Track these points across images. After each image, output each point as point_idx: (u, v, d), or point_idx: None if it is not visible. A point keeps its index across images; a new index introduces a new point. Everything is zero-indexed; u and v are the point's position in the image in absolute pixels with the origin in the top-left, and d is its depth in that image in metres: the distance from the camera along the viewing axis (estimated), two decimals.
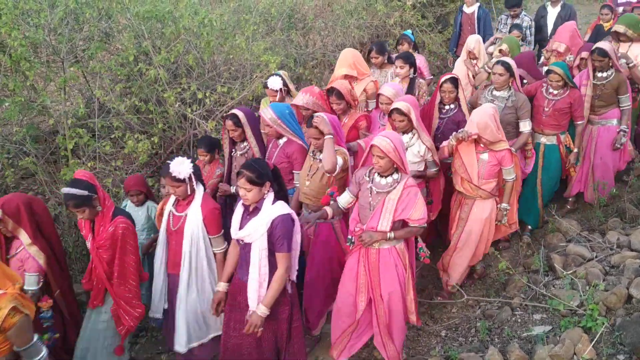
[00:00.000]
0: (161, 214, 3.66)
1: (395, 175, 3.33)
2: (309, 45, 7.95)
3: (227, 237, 3.38)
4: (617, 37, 5.41)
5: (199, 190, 3.46)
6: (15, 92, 4.56)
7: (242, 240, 3.11)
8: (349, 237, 3.56)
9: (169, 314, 3.59)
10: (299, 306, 3.43)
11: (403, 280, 3.41)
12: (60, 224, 4.76)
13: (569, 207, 5.38)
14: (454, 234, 4.27)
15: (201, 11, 5.64)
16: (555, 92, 4.69)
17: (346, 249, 3.67)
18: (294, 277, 3.26)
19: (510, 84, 4.64)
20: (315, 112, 3.97)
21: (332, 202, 3.62)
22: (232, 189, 4.07)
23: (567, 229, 4.80)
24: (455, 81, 4.42)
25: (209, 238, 3.46)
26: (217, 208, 3.48)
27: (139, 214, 4.08)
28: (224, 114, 4.58)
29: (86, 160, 4.74)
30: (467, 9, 7.45)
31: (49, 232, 3.41)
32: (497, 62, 4.63)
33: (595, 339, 3.24)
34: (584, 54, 5.12)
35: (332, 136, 3.57)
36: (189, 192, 3.40)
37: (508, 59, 4.70)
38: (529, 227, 5.07)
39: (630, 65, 5.12)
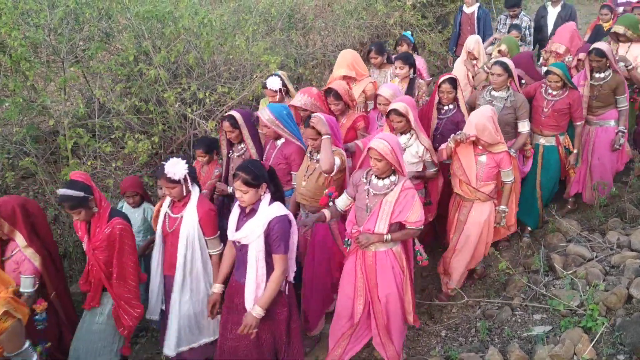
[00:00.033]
0: (158, 216, 3.65)
1: (393, 177, 3.32)
2: (309, 45, 7.95)
3: (225, 238, 3.37)
4: (617, 37, 5.41)
5: (195, 191, 3.44)
6: (15, 92, 4.56)
7: (239, 242, 3.09)
8: (346, 239, 3.54)
9: (166, 315, 3.57)
10: (297, 307, 3.43)
11: (400, 282, 3.40)
12: (60, 224, 4.77)
13: (569, 207, 5.37)
14: (453, 236, 4.27)
15: (201, 11, 5.64)
16: (555, 92, 4.68)
17: (343, 251, 3.66)
18: (291, 278, 3.25)
19: (508, 84, 4.63)
20: (313, 113, 3.97)
21: (330, 204, 3.61)
22: (229, 189, 4.07)
23: (567, 229, 4.79)
24: (453, 82, 4.42)
25: (205, 239, 3.44)
26: (212, 209, 3.46)
27: (135, 216, 4.07)
28: (223, 115, 4.57)
29: (86, 161, 4.74)
30: (467, 9, 7.45)
31: (45, 234, 3.41)
32: (495, 63, 4.63)
33: (596, 339, 3.24)
34: (581, 55, 5.12)
35: (329, 136, 3.56)
36: (184, 193, 3.38)
37: (506, 59, 4.69)
38: (529, 228, 5.07)
39: (629, 68, 5.13)
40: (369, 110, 5.03)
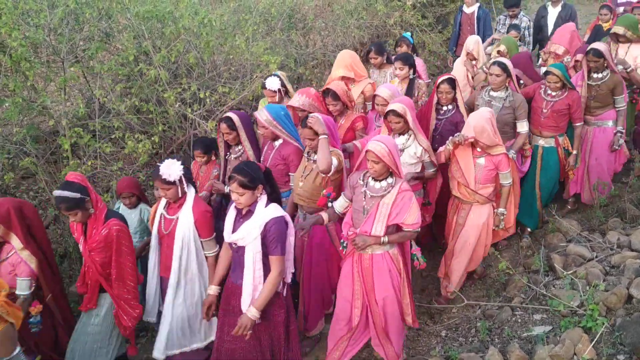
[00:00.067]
0: (155, 217, 3.63)
1: (390, 180, 3.31)
2: (309, 45, 7.95)
3: (223, 240, 3.34)
4: (617, 38, 5.41)
5: (190, 192, 3.42)
6: (15, 93, 4.56)
7: (235, 244, 3.07)
8: (342, 241, 3.53)
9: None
10: (294, 309, 3.41)
11: (397, 285, 3.39)
12: (60, 224, 4.77)
13: (569, 207, 5.37)
14: (451, 239, 4.26)
15: (201, 11, 5.64)
16: (554, 93, 4.68)
17: (340, 253, 3.65)
18: (289, 279, 3.24)
19: (507, 84, 4.63)
20: (311, 113, 3.96)
21: (329, 205, 3.60)
22: (226, 189, 4.07)
23: (567, 229, 4.79)
24: (452, 82, 4.41)
25: (201, 241, 3.42)
26: (208, 211, 3.44)
27: (132, 217, 4.04)
28: (220, 117, 4.57)
29: (87, 161, 4.74)
30: (467, 9, 7.45)
31: (40, 236, 3.39)
32: (494, 63, 4.63)
33: (596, 339, 3.24)
34: (579, 56, 5.11)
35: (326, 136, 3.54)
36: (179, 195, 3.36)
37: (505, 60, 4.69)
38: (528, 229, 5.07)
39: (629, 70, 5.13)
40: (367, 111, 5.02)
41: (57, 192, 3.13)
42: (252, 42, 5.97)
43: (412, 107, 4.04)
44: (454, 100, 4.48)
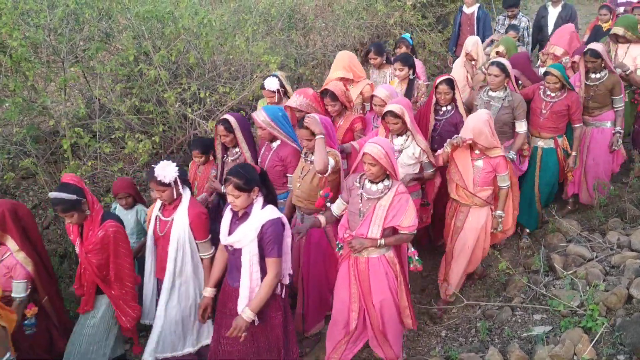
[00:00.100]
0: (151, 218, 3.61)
1: (387, 182, 3.29)
2: (309, 46, 7.95)
3: (219, 241, 3.31)
4: (616, 38, 5.40)
5: (186, 194, 3.39)
6: (15, 93, 4.56)
7: (232, 246, 3.05)
8: (337, 242, 3.52)
9: None
10: (291, 310, 3.39)
11: (394, 288, 3.37)
12: (60, 224, 4.77)
13: (569, 207, 5.37)
14: (450, 242, 4.25)
15: (201, 11, 5.64)
16: (553, 94, 4.67)
17: (336, 255, 3.63)
18: (287, 280, 3.22)
19: (505, 84, 4.62)
20: (309, 114, 3.95)
21: (328, 204, 3.59)
22: (223, 188, 4.06)
23: (567, 229, 4.80)
24: (451, 82, 4.39)
25: (196, 243, 3.39)
26: (203, 212, 3.41)
27: (128, 218, 4.03)
28: (222, 116, 4.56)
29: (87, 161, 4.74)
30: (466, 10, 7.45)
31: (35, 238, 3.37)
32: (492, 63, 4.61)
33: (596, 339, 3.24)
34: (576, 58, 5.11)
35: (323, 136, 3.53)
36: (174, 197, 3.34)
37: (503, 60, 4.68)
38: (527, 230, 5.07)
39: (628, 72, 5.14)
40: (366, 111, 5.02)
41: (53, 194, 3.11)
42: (252, 42, 5.97)
43: (410, 107, 4.03)
44: (452, 100, 4.47)
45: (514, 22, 7.11)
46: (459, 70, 5.93)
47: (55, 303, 3.48)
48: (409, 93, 4.96)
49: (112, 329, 3.42)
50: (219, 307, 3.25)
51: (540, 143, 4.83)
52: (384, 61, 5.56)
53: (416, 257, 3.49)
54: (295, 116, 4.27)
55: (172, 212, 3.38)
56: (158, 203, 3.49)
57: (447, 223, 4.31)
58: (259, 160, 4.10)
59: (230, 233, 3.05)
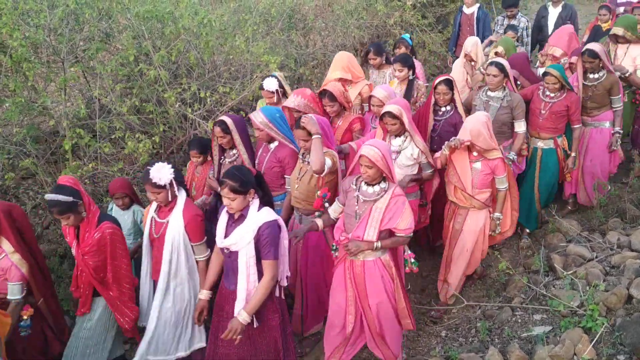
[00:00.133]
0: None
1: (383, 184, 3.28)
2: (309, 46, 7.95)
3: (215, 243, 3.27)
4: (616, 39, 5.40)
5: (181, 196, 3.36)
6: (15, 93, 4.56)
7: (228, 249, 3.02)
8: (333, 244, 3.50)
9: None
10: (288, 312, 3.37)
11: (391, 291, 3.36)
12: (60, 224, 4.76)
13: (569, 207, 5.37)
14: (449, 245, 4.24)
15: (201, 11, 5.64)
16: (552, 94, 4.67)
17: (333, 258, 3.59)
18: (285, 282, 3.21)
19: (504, 84, 4.62)
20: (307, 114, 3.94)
21: (326, 204, 3.58)
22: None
23: (567, 229, 4.80)
24: (449, 83, 4.39)
25: (191, 245, 3.36)
26: (199, 215, 3.38)
27: (125, 218, 4.01)
28: (219, 117, 4.55)
29: (87, 161, 4.74)
30: (466, 10, 7.46)
31: (30, 240, 3.35)
32: (491, 63, 4.61)
33: (595, 339, 3.24)
34: (573, 59, 5.11)
35: (319, 136, 3.51)
36: (170, 199, 3.31)
37: (501, 60, 4.68)
38: (527, 230, 5.07)
39: (627, 75, 5.14)
40: (365, 112, 5.01)
41: (49, 196, 3.08)
42: (252, 42, 5.97)
43: (408, 108, 4.01)
44: (451, 101, 4.47)
45: (513, 22, 7.11)
46: (458, 71, 5.93)
47: (51, 304, 3.45)
48: (408, 93, 4.96)
49: (109, 331, 3.40)
50: (215, 310, 3.23)
51: (540, 144, 4.82)
52: (384, 61, 5.55)
53: (412, 260, 3.48)
54: (293, 116, 4.26)
55: (168, 214, 3.35)
56: (154, 204, 3.46)
57: (446, 225, 4.30)
58: (256, 162, 4.08)
59: (226, 236, 3.03)
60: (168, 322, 3.38)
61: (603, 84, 4.81)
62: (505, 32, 6.67)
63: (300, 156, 3.82)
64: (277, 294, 3.14)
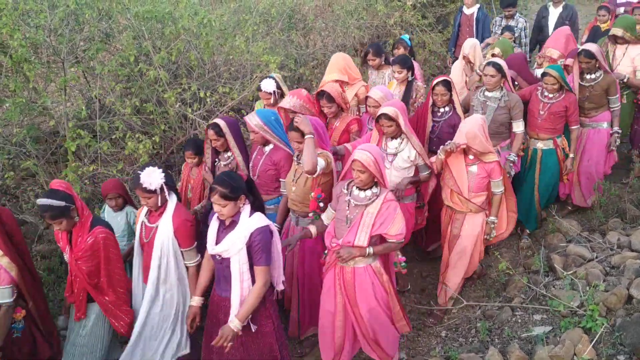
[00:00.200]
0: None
1: (375, 189, 3.25)
2: (309, 46, 7.95)
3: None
4: (615, 39, 5.40)
5: (172, 200, 3.28)
6: (16, 93, 4.56)
7: (220, 255, 2.98)
8: (325, 252, 3.48)
9: None
10: (280, 318, 3.33)
11: (381, 298, 3.33)
12: None
13: (569, 208, 5.37)
14: (447, 250, 4.23)
15: (201, 11, 5.65)
16: (551, 95, 4.66)
17: (322, 263, 3.58)
18: (281, 287, 3.19)
19: (502, 84, 4.62)
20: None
21: (321, 205, 3.56)
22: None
23: (567, 229, 4.80)
24: (447, 84, 4.38)
25: (181, 251, 3.29)
26: (188, 220, 3.29)
27: (118, 220, 3.98)
28: (222, 115, 4.55)
29: (87, 161, 4.74)
30: (466, 10, 7.46)
31: (18, 242, 3.29)
32: (488, 64, 4.60)
33: (595, 340, 3.24)
34: (569, 61, 5.10)
35: (312, 136, 3.47)
36: (159, 204, 3.23)
37: (499, 60, 4.67)
38: (527, 230, 5.06)
39: (625, 80, 5.15)
40: (361, 113, 5.01)
41: (41, 201, 3.04)
42: (252, 42, 5.97)
43: (404, 110, 3.98)
44: (450, 102, 4.46)
45: (511, 22, 7.11)
46: (457, 73, 5.91)
47: (40, 307, 3.39)
48: (407, 95, 4.96)
49: (105, 337, 3.37)
50: (209, 316, 3.21)
51: (540, 144, 4.81)
52: (383, 62, 5.55)
53: (402, 264, 3.47)
54: (289, 117, 4.24)
55: (157, 219, 3.28)
56: (145, 208, 3.41)
57: (444, 230, 4.29)
58: (250, 165, 4.05)
59: (217, 242, 2.98)
60: (155, 328, 3.33)
61: (600, 84, 4.81)
62: (501, 34, 6.67)
63: (295, 158, 3.79)
64: (274, 297, 3.12)
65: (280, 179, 3.94)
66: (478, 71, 5.35)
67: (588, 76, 4.86)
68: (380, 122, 3.92)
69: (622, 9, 7.40)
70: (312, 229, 3.51)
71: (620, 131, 4.96)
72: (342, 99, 4.41)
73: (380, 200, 3.21)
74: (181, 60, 5.68)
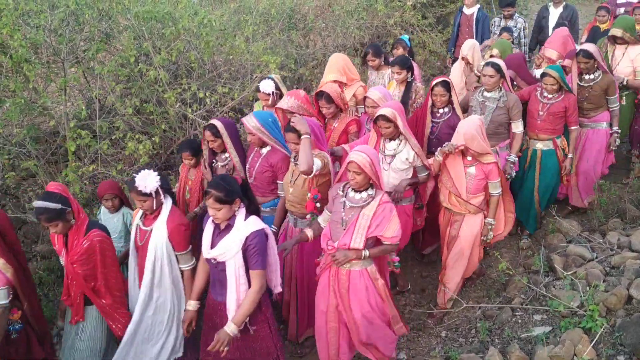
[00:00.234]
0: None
1: (370, 191, 3.24)
2: (309, 46, 7.95)
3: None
4: (614, 40, 5.39)
5: (167, 203, 3.27)
6: (16, 93, 4.56)
7: (215, 259, 2.96)
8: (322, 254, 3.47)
9: None
10: (274, 321, 3.31)
11: (375, 302, 3.32)
12: None
13: (569, 208, 5.37)
14: (446, 251, 4.22)
15: (201, 12, 5.65)
16: (550, 95, 4.66)
17: (316, 264, 3.56)
18: (279, 290, 3.19)
19: (500, 84, 4.61)
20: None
21: (318, 206, 3.55)
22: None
23: (567, 229, 4.80)
24: (446, 84, 4.37)
25: (176, 255, 3.28)
26: (183, 224, 3.28)
27: (114, 221, 3.96)
28: (221, 116, 4.54)
29: (87, 162, 4.74)
30: (466, 11, 7.46)
31: (13, 243, 3.27)
32: (487, 64, 4.59)
33: (595, 340, 3.24)
34: (567, 62, 5.09)
35: (308, 136, 3.46)
36: (155, 207, 3.23)
37: (498, 60, 4.66)
38: (527, 231, 5.06)
39: (625, 83, 5.15)
40: (360, 114, 5.00)
41: (37, 203, 3.02)
42: (252, 42, 5.97)
43: (402, 111, 3.96)
44: (449, 102, 4.45)
45: (510, 22, 7.11)
46: (457, 73, 5.90)
47: (34, 308, 3.38)
48: (406, 95, 4.96)
49: (103, 339, 3.37)
50: (205, 321, 3.20)
51: (539, 145, 4.80)
52: (382, 62, 5.54)
53: (395, 264, 3.46)
54: (286, 118, 4.23)
55: (152, 222, 3.27)
56: (139, 212, 3.40)
57: (442, 232, 4.28)
58: (247, 166, 4.03)
59: (212, 246, 2.97)
60: (148, 332, 3.32)
61: (599, 84, 4.81)
62: (500, 34, 6.67)
63: (293, 159, 3.78)
64: (273, 298, 3.11)
65: (278, 181, 3.93)
66: (476, 71, 5.35)
67: (587, 76, 4.86)
68: (378, 123, 3.90)
69: (622, 9, 7.39)
70: (309, 232, 3.49)
71: (619, 131, 4.95)
72: (341, 100, 4.41)
73: (376, 202, 3.20)
74: (181, 61, 5.68)
